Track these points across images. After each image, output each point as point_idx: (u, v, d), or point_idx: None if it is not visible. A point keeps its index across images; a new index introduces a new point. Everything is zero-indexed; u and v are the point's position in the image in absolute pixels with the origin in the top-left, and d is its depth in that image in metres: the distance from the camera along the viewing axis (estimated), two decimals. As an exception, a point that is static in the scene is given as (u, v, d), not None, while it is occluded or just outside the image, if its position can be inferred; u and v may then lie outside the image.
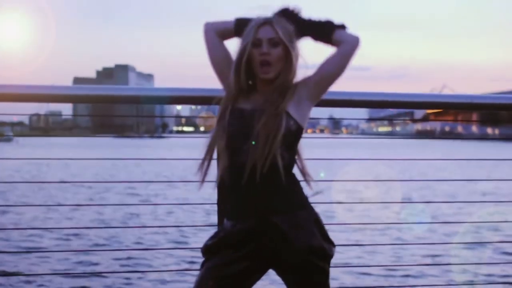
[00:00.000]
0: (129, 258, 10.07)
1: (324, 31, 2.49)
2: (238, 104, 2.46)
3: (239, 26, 2.52)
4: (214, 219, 2.81)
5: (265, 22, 2.44)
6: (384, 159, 3.85)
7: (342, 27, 2.49)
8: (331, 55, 2.48)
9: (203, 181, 2.48)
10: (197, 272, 2.47)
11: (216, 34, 2.56)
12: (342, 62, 2.47)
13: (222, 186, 2.51)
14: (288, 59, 2.44)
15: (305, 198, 2.48)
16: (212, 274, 2.41)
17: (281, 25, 2.45)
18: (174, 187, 22.26)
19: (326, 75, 2.47)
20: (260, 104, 2.43)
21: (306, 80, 2.49)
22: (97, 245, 11.30)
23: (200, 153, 2.47)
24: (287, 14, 2.50)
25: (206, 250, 2.47)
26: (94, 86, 3.04)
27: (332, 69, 2.47)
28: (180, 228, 12.91)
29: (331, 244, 2.46)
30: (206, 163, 2.48)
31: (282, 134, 2.36)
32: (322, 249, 2.42)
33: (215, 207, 2.74)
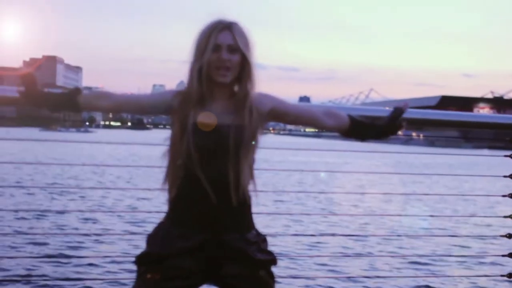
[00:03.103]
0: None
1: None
2: (198, 114, 2.38)
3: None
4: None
5: (224, 27, 2.39)
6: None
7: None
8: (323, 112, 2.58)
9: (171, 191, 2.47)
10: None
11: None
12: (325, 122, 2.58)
13: (180, 195, 2.45)
14: (247, 68, 2.40)
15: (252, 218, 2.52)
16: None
17: (239, 31, 2.41)
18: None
19: (307, 116, 2.56)
20: (228, 118, 2.40)
21: (270, 101, 2.49)
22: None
23: (162, 161, 2.49)
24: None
25: (149, 259, 2.42)
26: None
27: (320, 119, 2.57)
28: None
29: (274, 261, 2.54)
30: (171, 174, 2.47)
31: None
32: (272, 261, 2.51)
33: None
